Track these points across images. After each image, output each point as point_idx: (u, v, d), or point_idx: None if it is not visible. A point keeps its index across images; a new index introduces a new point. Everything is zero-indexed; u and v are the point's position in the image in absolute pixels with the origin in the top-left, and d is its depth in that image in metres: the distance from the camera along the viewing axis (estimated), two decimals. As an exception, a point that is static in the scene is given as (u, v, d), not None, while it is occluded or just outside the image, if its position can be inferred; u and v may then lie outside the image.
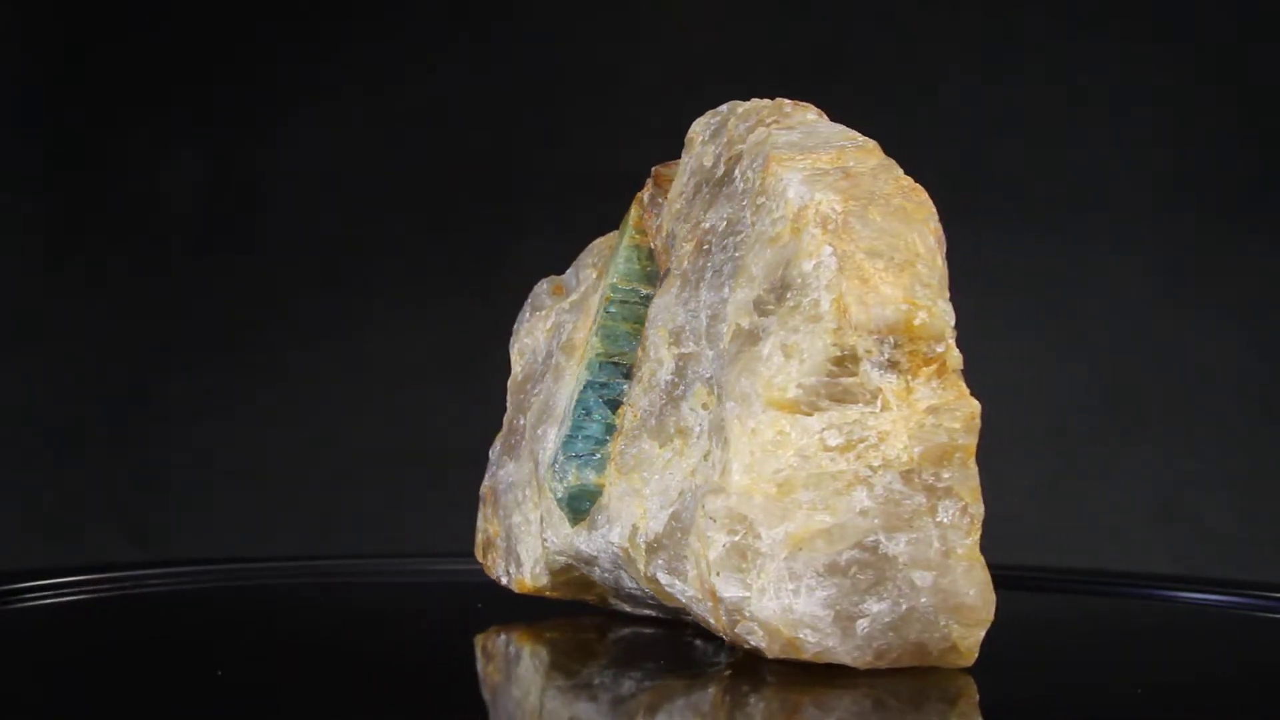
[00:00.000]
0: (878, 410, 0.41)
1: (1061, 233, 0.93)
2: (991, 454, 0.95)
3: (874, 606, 0.41)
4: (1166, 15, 0.92)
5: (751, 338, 0.42)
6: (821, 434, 0.41)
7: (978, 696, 0.41)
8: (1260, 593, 0.56)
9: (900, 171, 0.44)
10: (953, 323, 0.41)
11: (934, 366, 0.41)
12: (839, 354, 0.41)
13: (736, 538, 0.41)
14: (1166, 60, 0.92)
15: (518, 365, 0.51)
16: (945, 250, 0.43)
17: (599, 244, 0.52)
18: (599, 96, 0.95)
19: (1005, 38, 0.94)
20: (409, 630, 0.51)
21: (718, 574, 0.41)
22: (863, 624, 0.41)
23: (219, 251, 0.96)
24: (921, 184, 0.44)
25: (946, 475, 0.41)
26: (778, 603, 0.41)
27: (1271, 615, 0.54)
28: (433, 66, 0.96)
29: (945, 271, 0.42)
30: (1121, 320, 0.92)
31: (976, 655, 0.42)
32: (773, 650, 0.41)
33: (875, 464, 0.40)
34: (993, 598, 0.41)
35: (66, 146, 0.95)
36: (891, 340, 0.41)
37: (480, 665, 0.46)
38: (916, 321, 0.40)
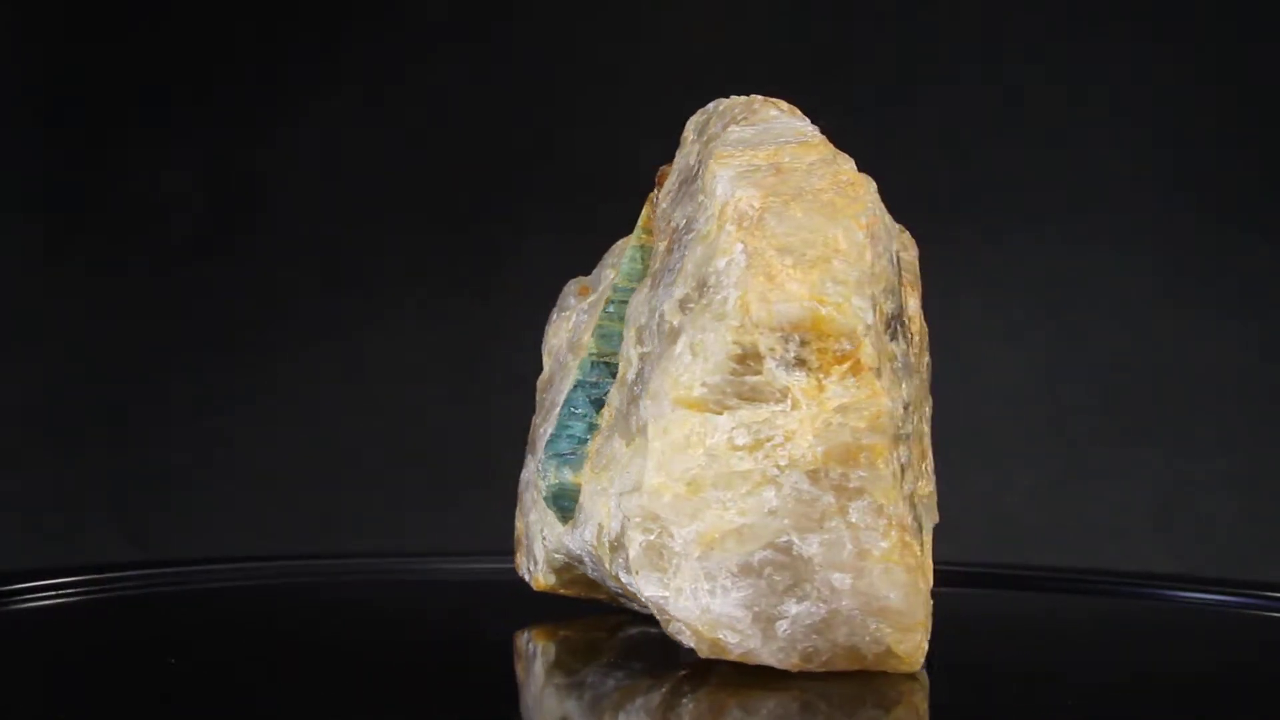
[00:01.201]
0: (788, 409, 0.40)
1: (1061, 233, 0.93)
2: (992, 454, 0.96)
3: (793, 608, 0.40)
4: (1166, 15, 0.92)
5: (673, 336, 0.42)
6: (731, 433, 0.40)
7: (925, 701, 0.40)
8: (1260, 593, 0.56)
9: (847, 166, 0.43)
10: (869, 320, 0.40)
11: (847, 365, 0.40)
12: (740, 352, 0.40)
13: (652, 536, 0.41)
14: (1166, 60, 0.92)
15: (545, 366, 0.52)
16: (900, 244, 0.43)
17: (620, 244, 0.52)
18: (599, 96, 0.95)
19: (1005, 38, 0.94)
20: (409, 630, 0.51)
21: (637, 573, 0.41)
22: (783, 625, 0.40)
23: (219, 251, 0.96)
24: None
25: (856, 475, 0.40)
26: (695, 603, 0.41)
27: (1271, 615, 0.54)
28: (433, 66, 0.96)
29: (880, 266, 0.41)
30: (1122, 320, 0.92)
31: (920, 660, 0.41)
32: (702, 651, 0.41)
33: (782, 463, 0.40)
34: (922, 600, 0.40)
35: (66, 146, 0.95)
36: (797, 338, 0.40)
37: (483, 664, 0.46)
38: (821, 318, 0.40)
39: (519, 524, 0.50)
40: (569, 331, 0.50)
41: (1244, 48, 0.92)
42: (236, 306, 0.95)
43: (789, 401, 0.40)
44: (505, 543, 0.65)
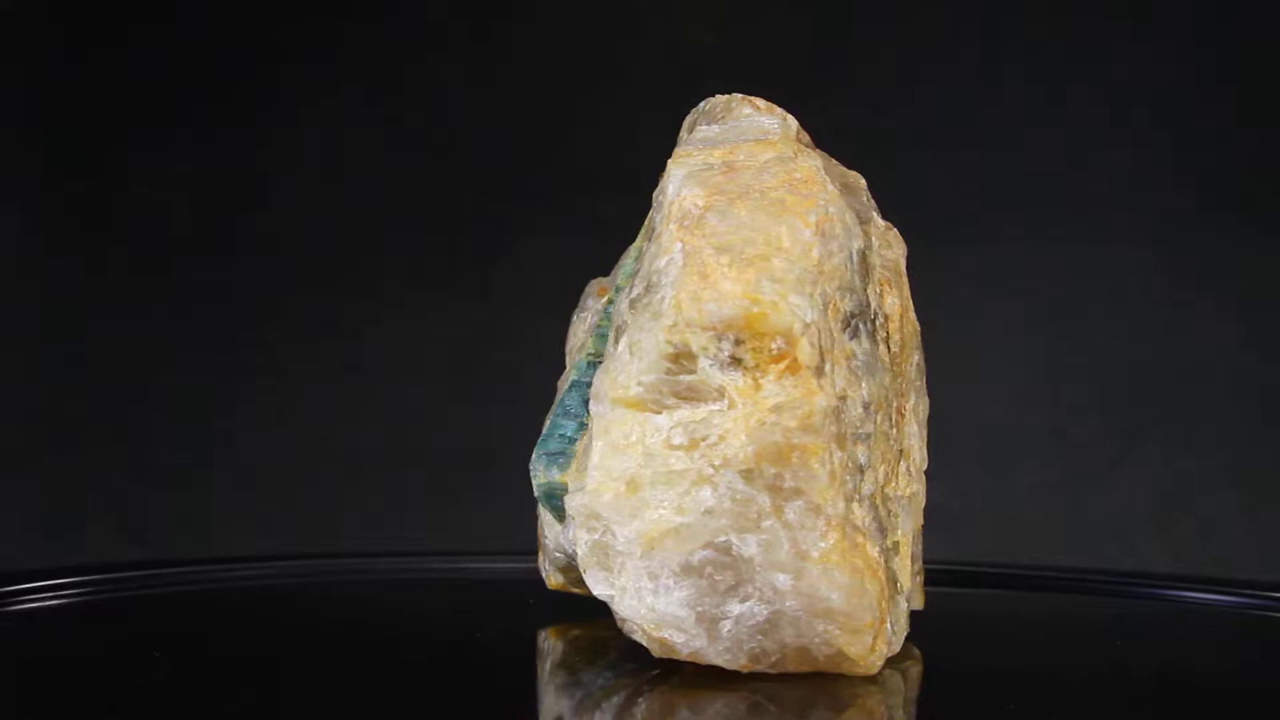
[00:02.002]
0: (725, 408, 0.40)
1: (1061, 233, 0.93)
2: (992, 454, 0.96)
3: (736, 608, 0.40)
4: (1166, 15, 0.92)
5: (618, 335, 0.42)
6: (669, 432, 0.40)
7: (881, 704, 0.40)
8: (1260, 592, 0.56)
9: (807, 164, 0.43)
10: (808, 318, 0.40)
11: (783, 364, 0.40)
12: (673, 351, 0.40)
13: (597, 535, 0.41)
14: (1166, 60, 0.92)
15: (568, 367, 0.52)
16: (883, 241, 0.43)
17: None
18: (599, 96, 0.95)
19: (1006, 38, 0.94)
20: (409, 629, 0.51)
21: (586, 571, 0.41)
22: (726, 625, 0.40)
23: (219, 251, 0.96)
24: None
25: (790, 475, 0.39)
26: (640, 602, 0.41)
27: (1271, 615, 0.54)
28: (433, 66, 0.96)
29: (834, 264, 0.41)
30: (1121, 320, 0.92)
31: (876, 663, 0.41)
32: (655, 650, 0.41)
33: (716, 463, 0.40)
34: (870, 603, 0.40)
35: (66, 146, 0.95)
36: (731, 337, 0.40)
37: (482, 664, 0.46)
38: (754, 317, 0.40)
39: (539, 523, 0.51)
40: (585, 332, 0.51)
41: (1244, 48, 0.92)
42: (236, 306, 0.95)
43: (726, 401, 0.40)
44: (505, 542, 0.65)
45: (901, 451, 0.45)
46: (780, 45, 0.95)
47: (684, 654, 0.41)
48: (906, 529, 0.45)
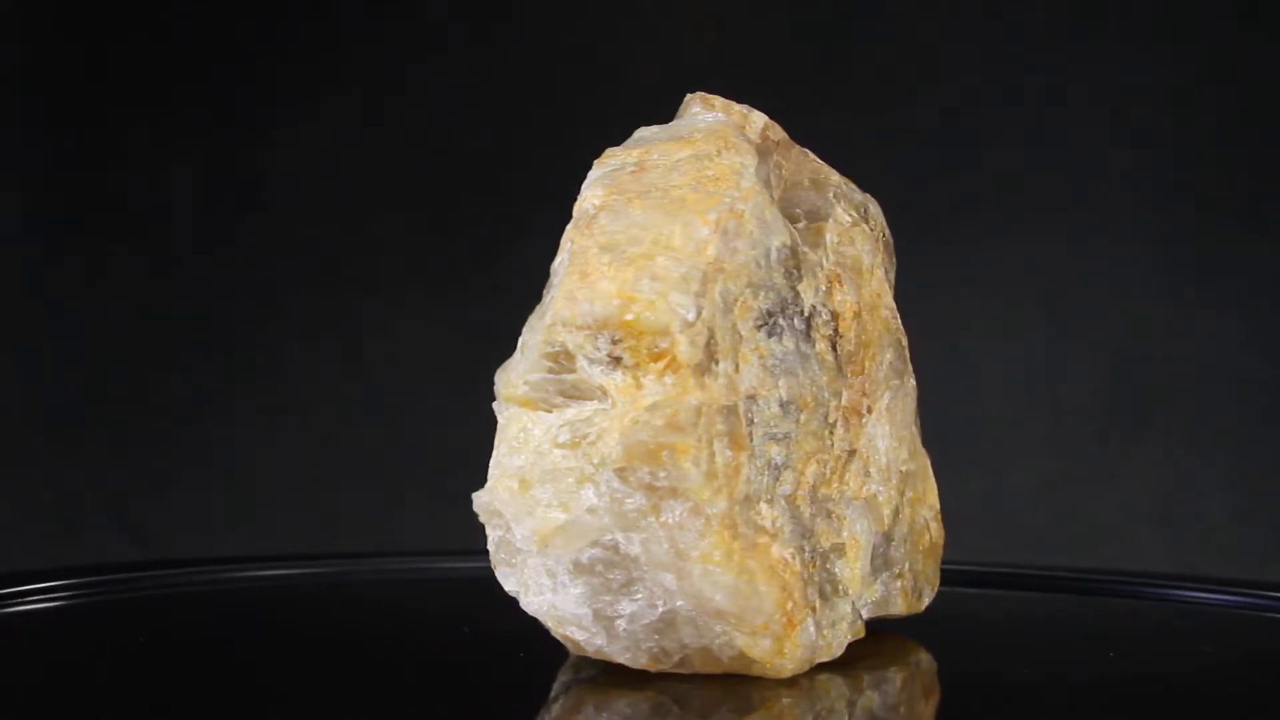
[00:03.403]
0: (608, 407, 0.40)
1: (1062, 233, 0.93)
2: (992, 454, 0.96)
3: (628, 607, 0.40)
4: (1166, 15, 0.92)
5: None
6: (556, 430, 0.40)
7: (795, 708, 0.40)
8: (1260, 592, 0.56)
9: (733, 160, 0.43)
10: (689, 316, 0.39)
11: (663, 362, 0.39)
12: (552, 350, 0.40)
13: (501, 533, 0.41)
14: (1166, 60, 0.92)
15: None
16: (841, 238, 0.43)
17: None
18: (599, 96, 0.95)
19: (1006, 37, 0.94)
20: (409, 629, 0.51)
21: (496, 568, 0.41)
22: (622, 624, 0.40)
23: (219, 251, 0.96)
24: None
25: (663, 474, 0.39)
26: (542, 599, 0.41)
27: (1271, 615, 0.54)
28: (433, 66, 0.96)
29: (738, 261, 0.41)
30: (1122, 320, 0.92)
31: (784, 666, 0.41)
32: (570, 648, 0.41)
33: (595, 461, 0.40)
34: (761, 605, 0.40)
35: (66, 146, 0.95)
36: (608, 336, 0.40)
37: (481, 664, 0.46)
38: (630, 317, 0.39)
39: None
40: None
41: (1244, 48, 0.92)
42: (236, 306, 0.95)
43: (609, 400, 0.40)
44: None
45: (853, 452, 0.44)
46: (780, 45, 0.95)
47: (589, 652, 0.41)
48: (859, 530, 0.44)
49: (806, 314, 0.43)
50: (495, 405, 0.42)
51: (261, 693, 0.43)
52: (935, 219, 0.91)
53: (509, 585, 0.41)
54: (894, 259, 0.49)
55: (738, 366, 0.40)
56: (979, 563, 0.60)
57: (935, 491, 0.49)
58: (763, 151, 0.45)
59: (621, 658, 0.41)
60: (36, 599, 0.55)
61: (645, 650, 0.40)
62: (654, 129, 0.45)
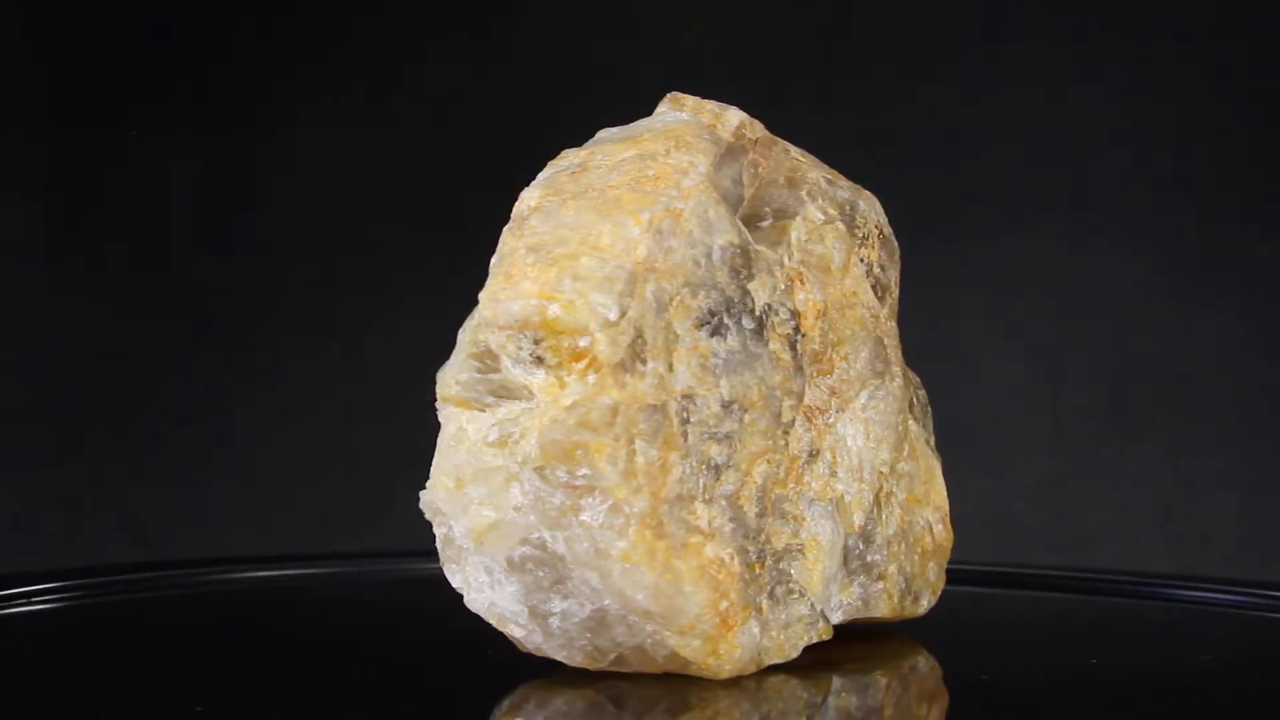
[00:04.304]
0: (534, 407, 0.40)
1: (1062, 233, 0.93)
2: (992, 454, 0.96)
3: (559, 605, 0.41)
4: (1166, 15, 0.92)
5: None
6: (487, 430, 0.41)
7: (734, 710, 0.40)
8: (1260, 592, 0.56)
9: (680, 159, 0.43)
10: (611, 315, 0.40)
11: (584, 362, 0.40)
12: (477, 350, 0.41)
13: (444, 530, 0.42)
14: (1166, 60, 0.92)
15: None
16: (809, 235, 0.43)
17: None
18: (599, 96, 0.95)
19: (1006, 37, 0.94)
20: (409, 630, 0.51)
21: (443, 565, 0.42)
22: (554, 622, 0.41)
23: (219, 251, 0.96)
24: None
25: (581, 473, 0.40)
26: (482, 596, 0.42)
27: (1271, 615, 0.54)
28: (433, 66, 0.96)
29: (673, 260, 0.41)
30: (1122, 320, 0.92)
31: (721, 667, 0.41)
32: (517, 645, 0.42)
33: (519, 460, 0.40)
34: (688, 605, 0.40)
35: (66, 146, 0.95)
36: (530, 335, 0.40)
37: (481, 664, 0.46)
38: (549, 316, 0.40)
39: None
40: None
41: (1244, 48, 0.92)
42: (236, 306, 0.95)
43: (535, 399, 0.40)
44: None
45: (816, 452, 0.44)
46: (781, 45, 0.95)
47: (530, 649, 0.42)
48: (821, 531, 0.44)
49: (758, 313, 0.43)
50: (437, 404, 0.42)
51: (261, 693, 0.43)
52: (935, 219, 0.91)
53: (454, 582, 0.42)
54: (895, 258, 0.49)
55: (671, 366, 0.41)
56: (979, 562, 0.61)
57: (943, 494, 0.49)
58: (734, 150, 0.45)
59: (559, 655, 0.42)
60: (36, 600, 0.55)
61: (580, 649, 0.41)
62: (613, 130, 0.45)
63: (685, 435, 0.41)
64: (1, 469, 0.94)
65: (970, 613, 0.55)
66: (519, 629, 0.41)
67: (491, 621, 0.42)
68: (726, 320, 0.42)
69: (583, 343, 0.40)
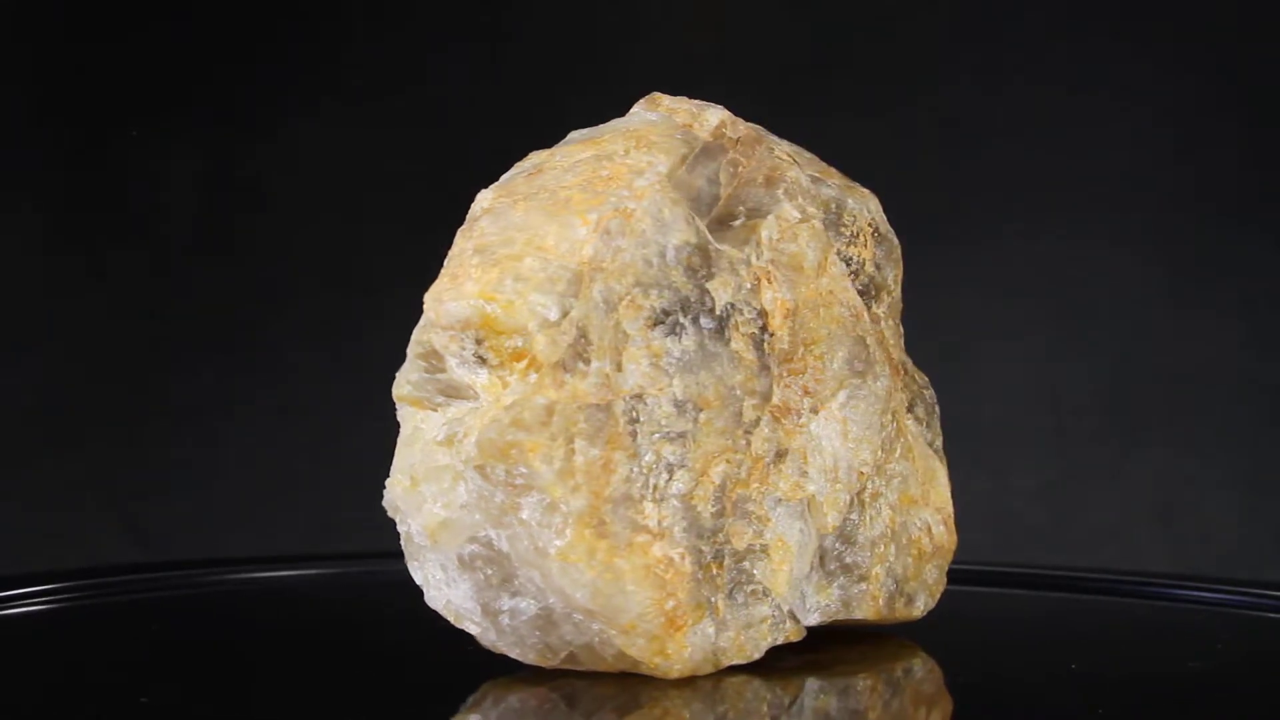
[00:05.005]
0: (479, 406, 0.41)
1: (1062, 233, 0.93)
2: (992, 454, 0.95)
3: (507, 602, 0.41)
4: (1167, 15, 0.92)
5: None
6: (438, 429, 0.41)
7: (684, 710, 0.40)
8: (1260, 592, 0.56)
9: (638, 160, 0.43)
10: (550, 315, 0.40)
11: (524, 361, 0.40)
12: (423, 350, 0.41)
13: (405, 528, 0.42)
14: (1167, 60, 0.92)
15: None
16: (781, 234, 0.43)
17: None
18: (599, 96, 0.95)
19: (1006, 37, 0.94)
20: (409, 630, 0.51)
21: (407, 562, 0.43)
22: (504, 619, 0.41)
23: (220, 250, 0.96)
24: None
25: (518, 472, 0.40)
26: (440, 593, 0.42)
27: (1272, 615, 0.54)
28: (433, 66, 0.96)
29: (622, 260, 0.41)
30: (1122, 320, 0.92)
31: (669, 667, 0.41)
32: (480, 643, 0.42)
33: (463, 459, 0.40)
34: (624, 602, 0.40)
35: (67, 146, 0.95)
36: (472, 335, 0.40)
37: (480, 664, 0.46)
38: (489, 316, 0.40)
39: None
40: None
41: (1245, 47, 0.92)
42: (236, 306, 0.95)
43: (480, 399, 0.41)
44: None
45: (784, 452, 0.44)
46: (781, 45, 0.95)
47: (486, 645, 0.42)
48: (789, 531, 0.44)
49: (719, 312, 0.43)
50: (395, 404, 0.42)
51: (262, 694, 0.43)
52: (935, 219, 0.91)
53: (417, 579, 0.43)
54: (894, 256, 0.48)
55: (620, 365, 0.41)
56: (979, 562, 0.61)
57: (943, 495, 0.49)
58: (710, 149, 0.45)
59: (513, 653, 0.42)
60: (36, 600, 0.55)
61: (532, 646, 0.42)
62: (584, 131, 0.46)
63: (634, 435, 0.41)
64: (1, 469, 0.94)
65: (970, 613, 0.55)
66: (475, 626, 0.42)
67: (450, 619, 0.42)
68: (682, 320, 0.42)
69: (520, 343, 0.40)
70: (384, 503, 0.42)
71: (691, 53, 0.95)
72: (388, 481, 0.42)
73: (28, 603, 0.54)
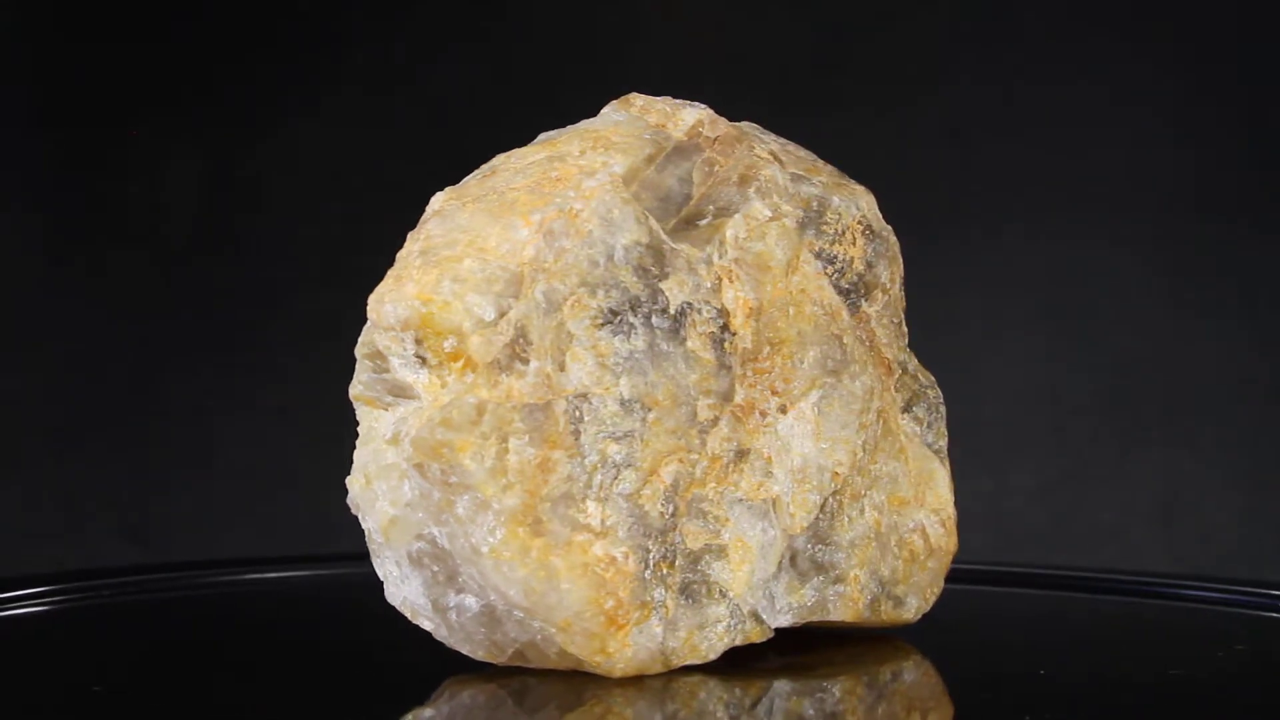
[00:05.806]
0: (422, 405, 0.41)
1: (1062, 233, 0.93)
2: (992, 454, 0.96)
3: (454, 599, 0.41)
4: (1167, 15, 0.92)
5: None
6: (388, 428, 0.42)
7: (628, 709, 0.40)
8: (1260, 592, 0.56)
9: (592, 160, 0.43)
10: (486, 316, 0.40)
11: (461, 362, 0.40)
12: (368, 350, 0.42)
13: (366, 526, 0.42)
14: (1167, 60, 0.92)
15: None
16: (750, 233, 0.43)
17: None
18: (598, 97, 0.95)
19: (1006, 37, 0.94)
20: (409, 630, 0.51)
21: (372, 558, 0.43)
22: (452, 615, 0.41)
23: (219, 251, 0.96)
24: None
25: (450, 471, 0.40)
26: (397, 590, 0.42)
27: (1271, 615, 0.54)
28: (433, 66, 0.96)
29: (567, 261, 0.41)
30: (1122, 320, 0.92)
31: (612, 666, 0.41)
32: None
33: (405, 457, 0.41)
34: (558, 600, 0.40)
35: (66, 146, 0.95)
36: (411, 336, 0.41)
37: (480, 663, 0.46)
38: (426, 316, 0.40)
39: None
40: None
41: (1245, 47, 0.92)
42: (236, 306, 0.95)
43: (422, 399, 0.41)
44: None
45: (744, 451, 0.43)
46: (781, 45, 0.95)
47: (441, 641, 0.42)
48: (749, 531, 0.43)
49: (673, 311, 0.42)
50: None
51: (262, 695, 0.43)
52: (935, 219, 0.91)
53: (380, 573, 0.43)
54: (890, 254, 0.48)
55: (563, 365, 0.41)
56: (979, 562, 0.60)
57: (942, 496, 0.48)
58: (684, 149, 0.44)
59: (464, 649, 0.42)
60: (36, 600, 0.55)
61: (479, 643, 0.42)
62: (552, 133, 0.46)
63: (577, 434, 0.41)
64: (1, 469, 0.94)
65: (969, 613, 0.55)
66: (429, 623, 0.42)
67: (407, 615, 0.42)
68: (632, 319, 0.42)
69: (456, 343, 0.40)
70: (349, 500, 0.43)
71: (692, 53, 0.95)
72: (347, 479, 0.43)
73: (28, 603, 0.54)
